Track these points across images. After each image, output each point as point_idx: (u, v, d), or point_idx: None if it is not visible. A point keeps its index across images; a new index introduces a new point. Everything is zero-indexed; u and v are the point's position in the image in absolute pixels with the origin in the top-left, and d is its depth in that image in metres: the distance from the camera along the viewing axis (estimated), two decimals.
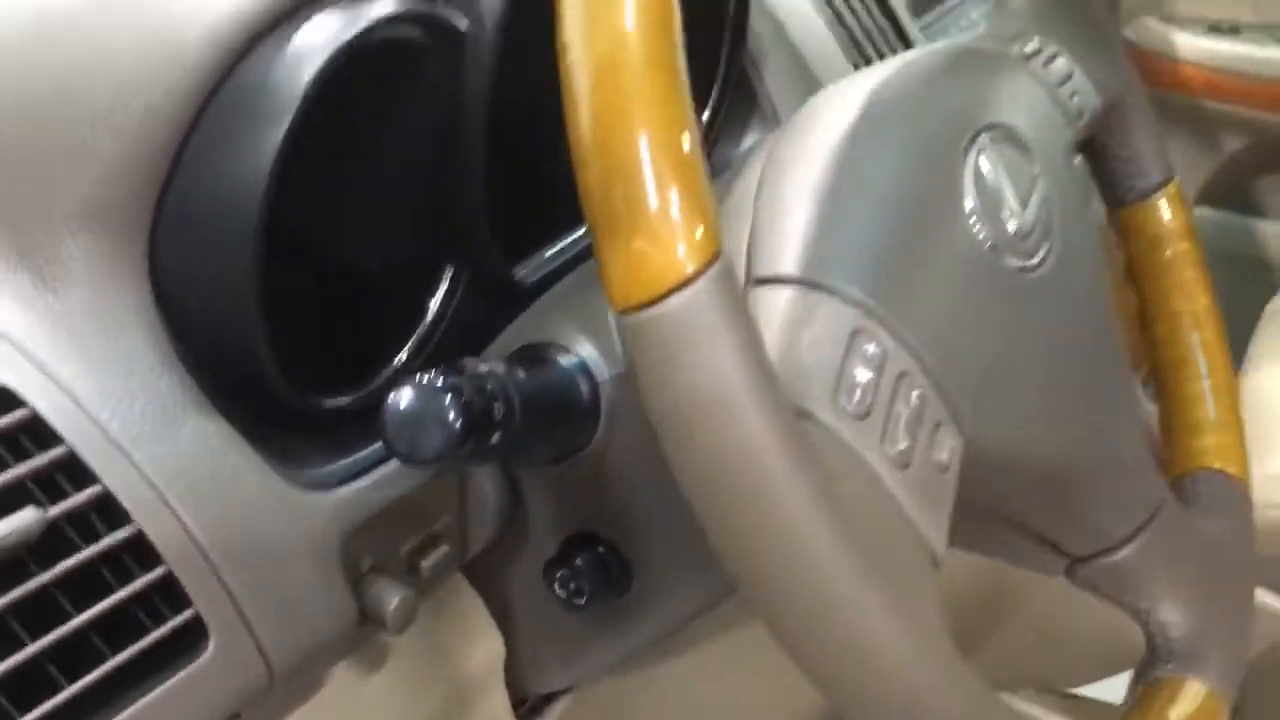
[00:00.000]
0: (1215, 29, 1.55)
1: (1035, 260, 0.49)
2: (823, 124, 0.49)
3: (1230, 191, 1.62)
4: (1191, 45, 1.54)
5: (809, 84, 0.76)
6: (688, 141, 0.35)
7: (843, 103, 0.50)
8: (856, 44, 0.78)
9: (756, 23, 0.74)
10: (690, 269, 0.35)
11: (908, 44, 0.83)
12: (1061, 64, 0.60)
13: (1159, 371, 0.65)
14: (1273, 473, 1.13)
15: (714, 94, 0.72)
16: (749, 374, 0.35)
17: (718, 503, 0.35)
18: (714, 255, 0.35)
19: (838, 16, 0.77)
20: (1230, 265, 1.65)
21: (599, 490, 0.51)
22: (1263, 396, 1.26)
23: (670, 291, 0.35)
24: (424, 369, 0.43)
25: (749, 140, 0.76)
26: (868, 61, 0.78)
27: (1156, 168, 0.65)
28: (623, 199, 0.34)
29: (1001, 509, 0.51)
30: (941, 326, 0.44)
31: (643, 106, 0.34)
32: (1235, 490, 0.61)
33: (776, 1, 0.75)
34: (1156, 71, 1.58)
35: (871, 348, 0.41)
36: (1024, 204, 0.50)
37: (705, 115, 0.72)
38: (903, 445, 0.41)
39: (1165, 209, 0.64)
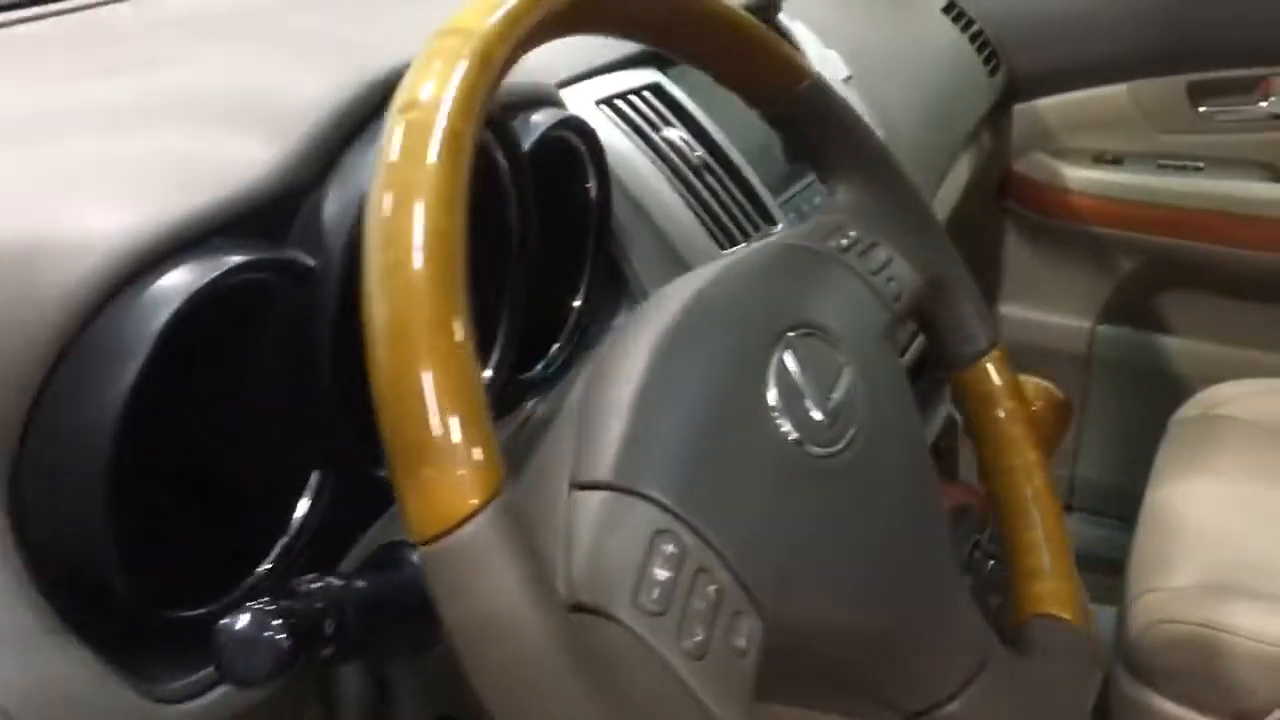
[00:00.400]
0: (1100, 160, 1.65)
1: (839, 446, 0.54)
2: (642, 331, 0.54)
3: (1128, 310, 1.70)
4: (1078, 176, 1.64)
5: (674, 261, 0.82)
6: (468, 383, 0.40)
7: (661, 310, 0.55)
8: (717, 221, 0.84)
9: (619, 208, 0.80)
10: (474, 502, 0.39)
11: (769, 218, 0.89)
12: (880, 252, 0.66)
13: (1000, 523, 0.69)
14: (1177, 585, 1.17)
15: (584, 280, 0.78)
16: (529, 595, 0.39)
17: (511, 715, 0.39)
18: (496, 488, 0.40)
19: (696, 197, 0.83)
20: (1132, 380, 1.72)
21: (459, 676, 0.55)
22: (1165, 511, 1.31)
23: (456, 525, 0.39)
24: (290, 574, 0.47)
25: (619, 320, 0.81)
26: (729, 236, 0.84)
27: (982, 334, 0.70)
28: (412, 440, 0.39)
29: (831, 671, 0.55)
30: (745, 519, 0.49)
31: (426, 357, 0.39)
32: (1069, 635, 0.65)
33: (637, 186, 0.81)
34: (1049, 203, 1.67)
35: (671, 548, 0.46)
36: (828, 394, 0.56)
37: (576, 301, 0.77)
38: (699, 637, 0.45)
39: (993, 371, 0.70)
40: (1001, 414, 0.69)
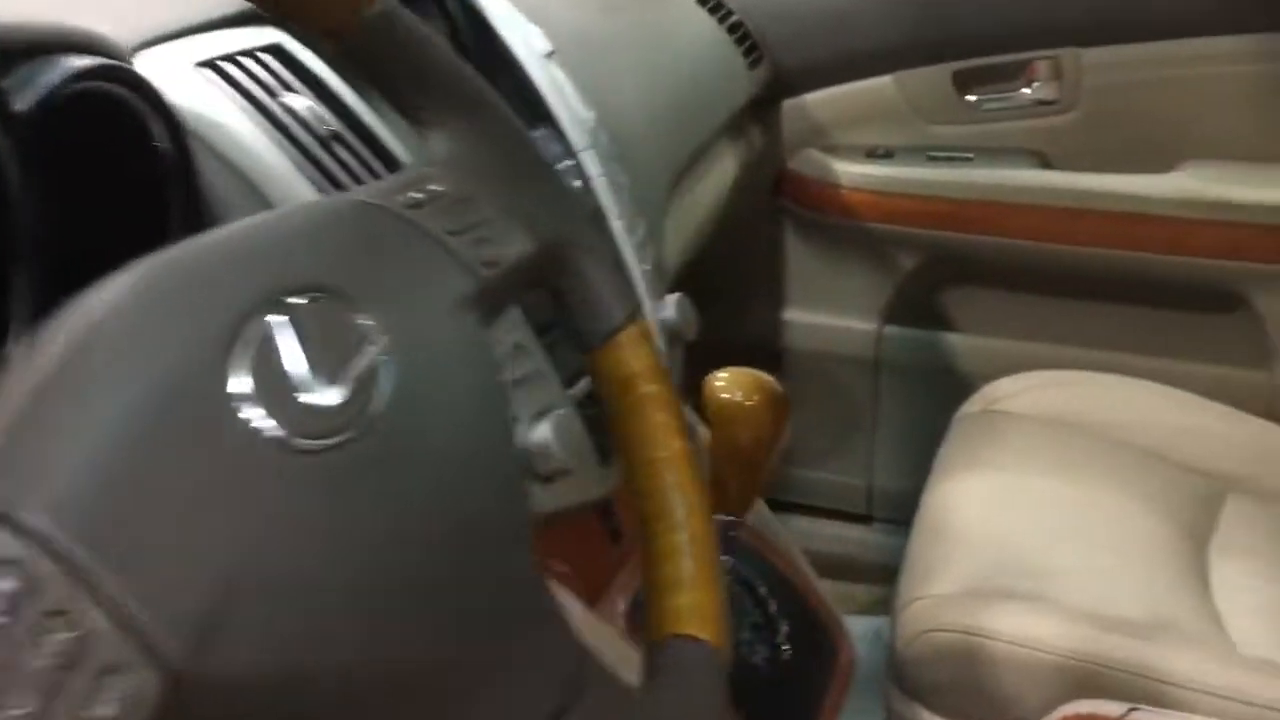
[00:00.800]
0: (872, 155, 1.59)
1: (347, 435, 0.43)
2: (69, 318, 0.42)
3: (911, 309, 1.64)
4: (851, 172, 1.58)
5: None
6: None
7: (104, 291, 0.43)
8: (318, 164, 0.72)
9: (224, 186, 0.68)
10: None
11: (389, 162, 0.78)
12: (473, 210, 0.55)
13: (642, 529, 0.59)
14: (943, 592, 1.09)
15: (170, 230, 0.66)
16: None
17: None
18: None
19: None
20: (921, 381, 1.66)
21: None
22: (939, 514, 1.24)
23: None
24: None
25: None
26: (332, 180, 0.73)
27: (617, 307, 0.60)
28: None
29: None
30: (166, 548, 0.37)
31: None
32: (704, 658, 0.54)
33: (247, 160, 0.69)
34: (824, 200, 1.61)
35: (9, 583, 0.34)
36: (336, 371, 0.44)
37: None
38: (26, 709, 0.33)
39: (629, 350, 0.59)
40: (638, 397, 0.58)
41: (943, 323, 1.65)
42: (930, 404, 1.57)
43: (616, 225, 0.91)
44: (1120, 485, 1.26)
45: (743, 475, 0.85)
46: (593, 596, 0.84)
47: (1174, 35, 1.48)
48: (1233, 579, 1.16)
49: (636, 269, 0.92)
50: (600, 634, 0.80)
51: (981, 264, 1.59)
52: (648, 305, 0.91)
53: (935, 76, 1.55)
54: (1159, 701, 0.96)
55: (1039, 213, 1.52)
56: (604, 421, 0.78)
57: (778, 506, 1.84)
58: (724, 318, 1.75)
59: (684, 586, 0.55)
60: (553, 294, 0.61)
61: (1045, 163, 1.56)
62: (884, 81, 1.57)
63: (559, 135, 0.92)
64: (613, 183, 0.95)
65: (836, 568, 1.81)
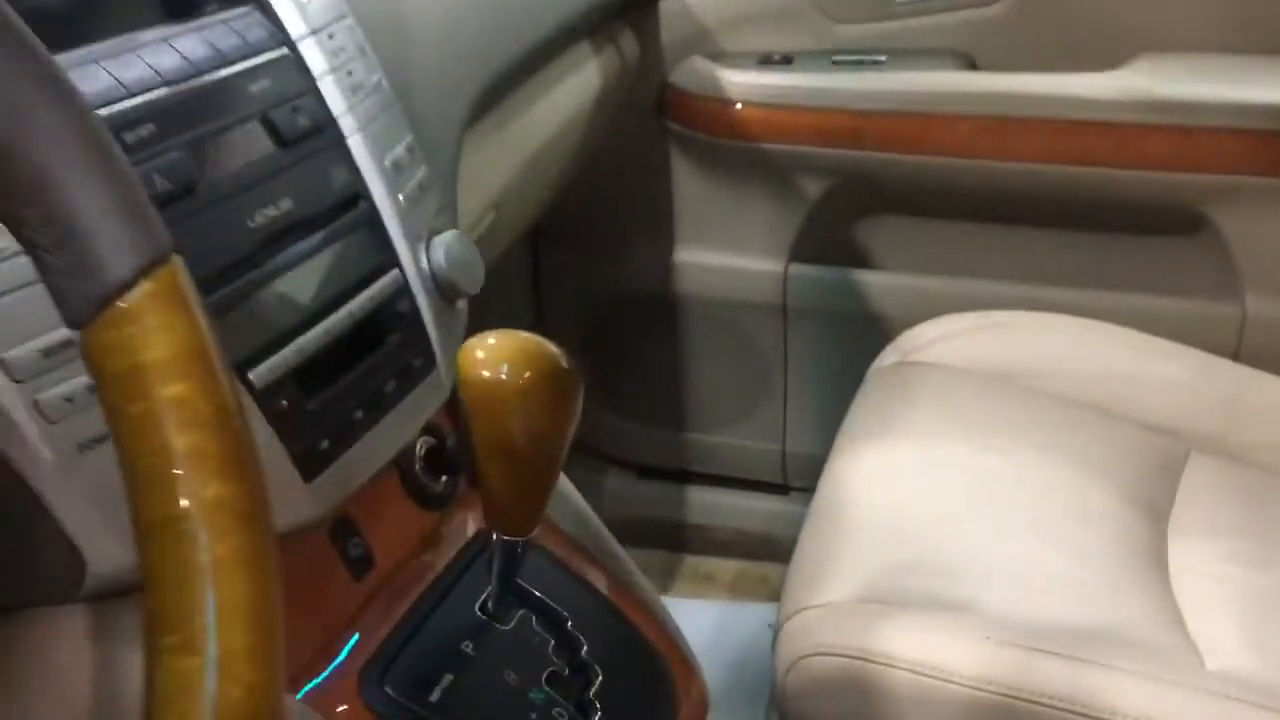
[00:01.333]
0: (767, 62, 1.34)
1: None
2: None
3: (820, 244, 1.40)
4: (743, 83, 1.33)
5: None
6: None
7: None
8: None
9: None
10: None
11: None
12: None
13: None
14: (831, 600, 0.86)
15: None
16: None
17: None
18: None
19: None
20: (832, 327, 1.43)
21: None
22: (837, 495, 1.01)
23: None
24: None
25: None
26: None
27: (116, 258, 0.35)
28: None
29: None
30: None
31: None
32: None
33: None
34: (713, 118, 1.35)
35: None
36: None
37: None
38: None
39: (136, 326, 0.34)
40: (152, 411, 0.34)
41: (858, 259, 1.41)
42: (847, 355, 1.34)
43: (354, 141, 0.67)
44: (1061, 451, 1.03)
45: (518, 483, 0.61)
46: (316, 655, 0.61)
47: None
48: (1197, 565, 0.93)
49: (390, 208, 0.67)
50: None
51: (899, 188, 1.35)
52: (400, 245, 0.67)
53: None
54: None
55: (965, 123, 1.27)
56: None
57: (681, 478, 1.62)
58: (604, 264, 1.51)
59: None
60: (15, 238, 0.36)
61: (971, 64, 1.31)
62: None
63: (267, 16, 0.67)
64: (355, 83, 0.70)
65: (751, 546, 1.58)
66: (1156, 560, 0.94)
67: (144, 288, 0.34)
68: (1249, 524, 0.98)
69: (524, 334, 0.62)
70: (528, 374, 0.60)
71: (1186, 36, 1.27)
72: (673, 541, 1.57)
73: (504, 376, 0.59)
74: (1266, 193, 1.23)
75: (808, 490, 1.51)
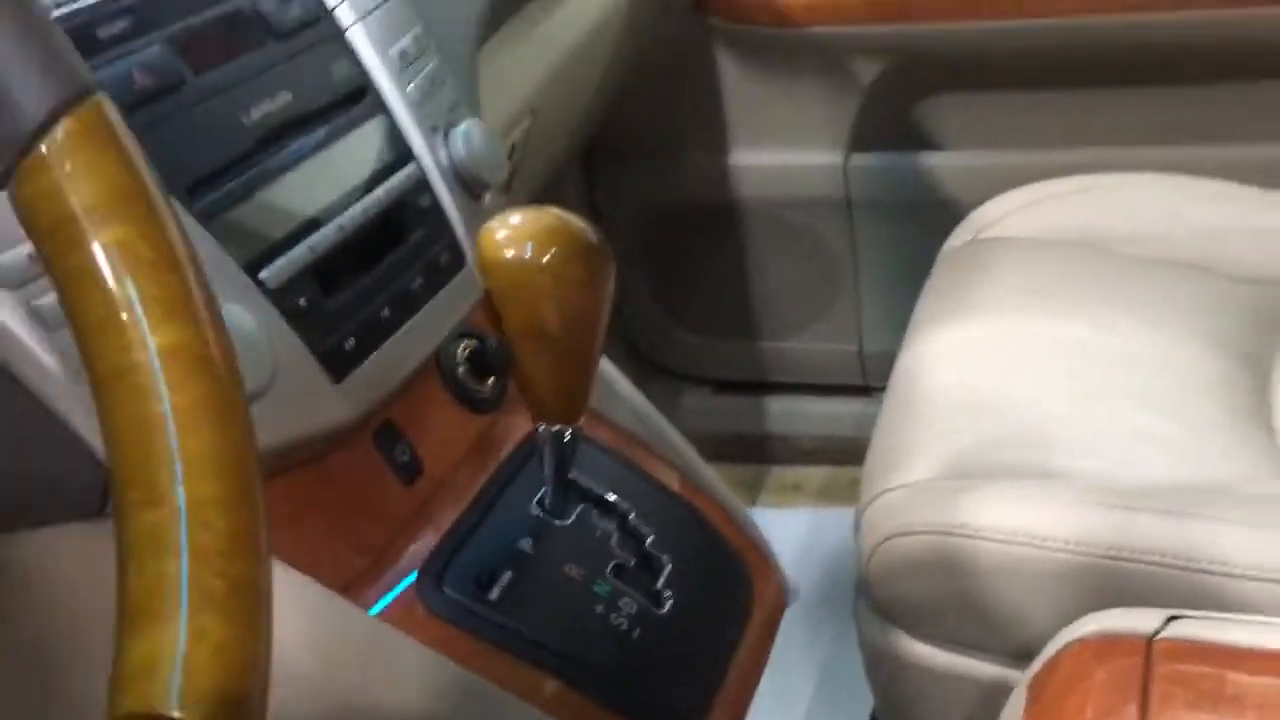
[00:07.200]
0: None
1: None
2: None
3: (881, 130, 1.33)
4: None
5: None
6: None
7: None
8: None
9: None
10: None
11: None
12: None
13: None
14: (914, 480, 0.82)
15: None
16: None
17: None
18: None
19: None
20: (899, 215, 1.36)
21: None
22: (913, 378, 0.96)
23: None
24: None
25: None
26: None
27: (34, 96, 0.33)
28: None
29: None
30: None
31: None
32: None
33: None
34: (754, 6, 1.30)
35: None
36: None
37: None
38: None
39: (64, 169, 0.32)
40: (89, 257, 0.31)
41: (921, 142, 1.34)
42: (918, 244, 1.28)
43: (354, 31, 0.64)
44: (1150, 315, 0.96)
45: (555, 368, 0.59)
46: (371, 563, 0.59)
47: None
48: None
49: (399, 100, 0.64)
50: (348, 630, 0.55)
51: (956, 60, 1.28)
52: (414, 137, 0.64)
53: None
54: (1213, 601, 0.69)
55: None
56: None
57: (759, 389, 1.58)
58: (658, 176, 1.46)
59: (146, 619, 0.29)
60: None
61: None
62: None
63: None
64: None
65: (836, 451, 1.54)
66: (1261, 419, 0.87)
67: (63, 127, 0.32)
68: None
69: (549, 209, 0.58)
70: (554, 250, 0.56)
71: None
72: (757, 454, 1.54)
73: (529, 256, 0.56)
74: None
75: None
